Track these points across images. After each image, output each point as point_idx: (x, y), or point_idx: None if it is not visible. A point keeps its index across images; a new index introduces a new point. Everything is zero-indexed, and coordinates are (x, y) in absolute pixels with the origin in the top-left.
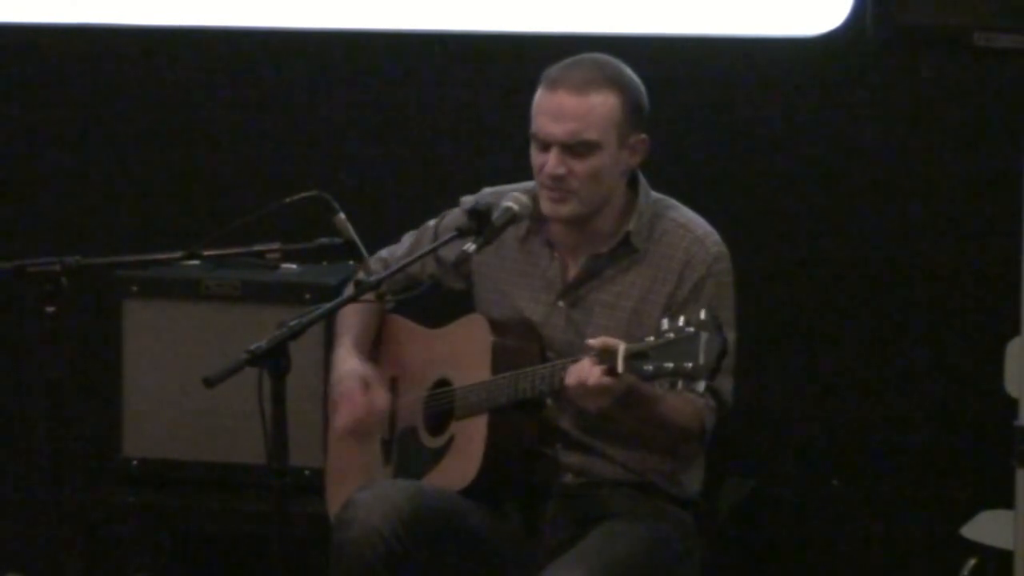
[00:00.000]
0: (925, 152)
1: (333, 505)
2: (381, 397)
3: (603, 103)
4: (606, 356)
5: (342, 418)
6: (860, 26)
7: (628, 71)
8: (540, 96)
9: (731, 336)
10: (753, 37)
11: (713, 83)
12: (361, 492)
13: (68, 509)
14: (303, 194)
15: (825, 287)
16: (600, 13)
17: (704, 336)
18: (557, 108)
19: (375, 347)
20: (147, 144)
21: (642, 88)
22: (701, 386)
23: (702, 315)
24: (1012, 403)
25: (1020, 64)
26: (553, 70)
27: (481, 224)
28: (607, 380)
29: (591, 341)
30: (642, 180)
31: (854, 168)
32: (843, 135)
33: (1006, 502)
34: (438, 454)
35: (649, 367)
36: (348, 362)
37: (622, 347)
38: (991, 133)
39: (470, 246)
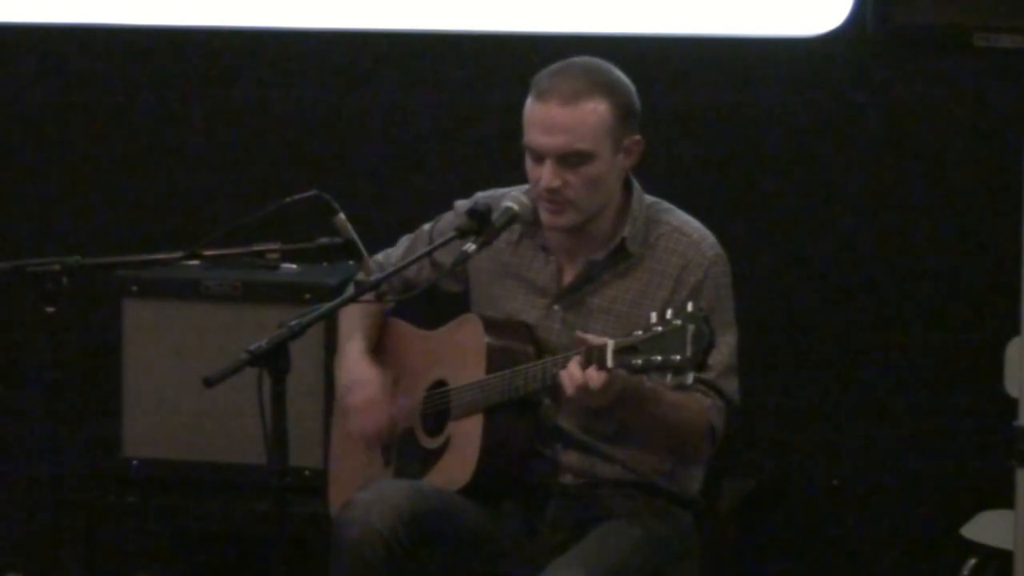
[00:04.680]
0: (925, 152)
1: (335, 506)
2: (397, 411)
3: (593, 111)
4: (595, 354)
5: (365, 426)
6: (860, 26)
7: (616, 73)
8: (530, 107)
9: (732, 337)
10: (753, 37)
11: (713, 83)
12: (361, 492)
13: (68, 509)
14: (303, 194)
15: (825, 287)
16: (600, 13)
17: (691, 328)
18: (548, 120)
19: (376, 350)
20: (147, 144)
21: (632, 88)
22: (689, 378)
23: (689, 307)
24: (1012, 403)
25: (1020, 64)
26: (542, 79)
27: (481, 224)
28: (604, 377)
29: (580, 334)
30: (635, 185)
31: (854, 168)
32: (843, 135)
33: (1006, 502)
34: (436, 455)
35: (638, 361)
36: (360, 369)
37: (610, 342)
38: (991, 133)
39: (470, 246)
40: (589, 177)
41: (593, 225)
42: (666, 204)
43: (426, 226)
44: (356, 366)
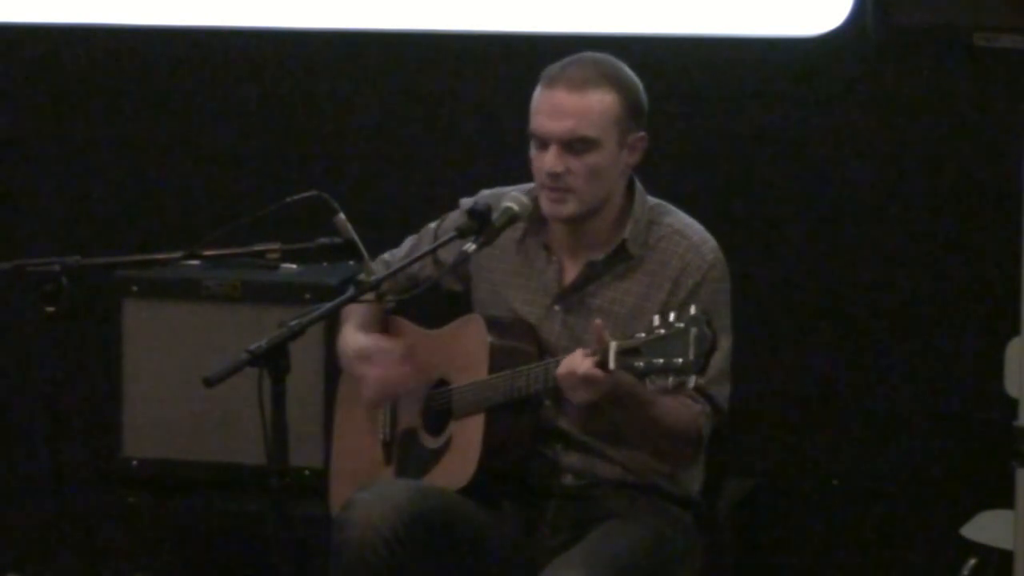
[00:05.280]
0: (925, 152)
1: (336, 506)
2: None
3: (601, 101)
4: (598, 351)
5: (388, 373)
6: (860, 26)
7: (626, 70)
8: (538, 94)
9: (727, 342)
10: (753, 37)
11: (713, 83)
12: (361, 492)
13: (68, 509)
14: (303, 194)
15: (825, 287)
16: (601, 13)
17: (693, 331)
18: (555, 106)
19: None
20: (147, 144)
21: (640, 87)
22: (691, 381)
23: (692, 310)
24: (1012, 403)
25: (1020, 64)
26: (552, 68)
27: (481, 224)
28: (596, 372)
29: (598, 322)
30: (638, 186)
31: (854, 168)
32: (843, 135)
33: (1006, 502)
34: (437, 454)
35: (640, 363)
36: (360, 338)
37: (613, 343)
38: (991, 133)
39: (469, 246)
40: (592, 166)
41: (594, 224)
42: (668, 206)
43: (431, 225)
44: (353, 340)
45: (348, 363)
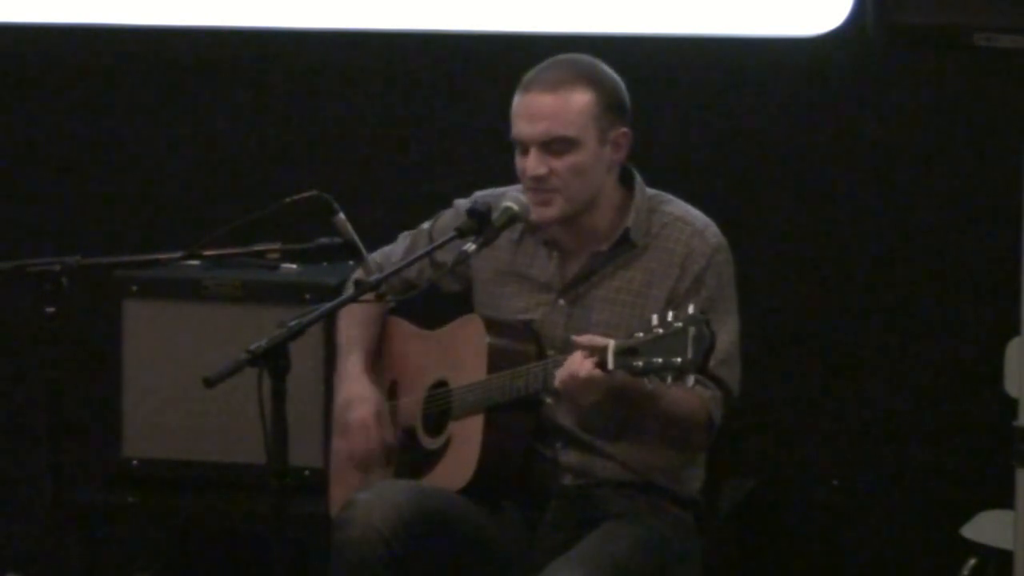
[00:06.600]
0: (925, 152)
1: (335, 506)
2: (391, 435)
3: (577, 100)
4: (597, 352)
5: (356, 447)
6: (860, 26)
7: (604, 68)
8: (516, 100)
9: (733, 325)
10: (753, 37)
11: (713, 83)
12: (361, 492)
13: (68, 509)
14: (303, 194)
15: (825, 287)
16: (600, 13)
17: (692, 331)
18: (531, 109)
19: (376, 351)
20: (147, 144)
21: (619, 83)
22: (690, 381)
23: (690, 310)
24: (1012, 403)
25: (1020, 64)
26: (528, 74)
27: (481, 224)
28: (597, 373)
29: (576, 338)
30: (638, 177)
31: (854, 168)
32: (843, 135)
33: (1006, 502)
34: (437, 455)
35: (639, 363)
36: (359, 386)
37: (611, 343)
38: (991, 133)
39: (469, 246)
40: (574, 165)
41: (592, 219)
42: (667, 195)
43: (425, 224)
44: (352, 384)
45: (336, 401)
